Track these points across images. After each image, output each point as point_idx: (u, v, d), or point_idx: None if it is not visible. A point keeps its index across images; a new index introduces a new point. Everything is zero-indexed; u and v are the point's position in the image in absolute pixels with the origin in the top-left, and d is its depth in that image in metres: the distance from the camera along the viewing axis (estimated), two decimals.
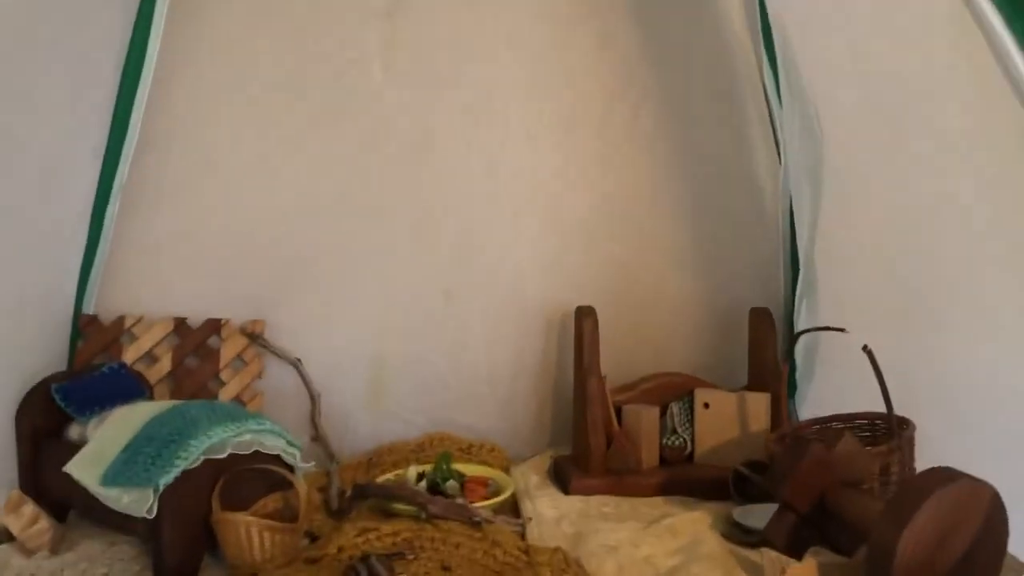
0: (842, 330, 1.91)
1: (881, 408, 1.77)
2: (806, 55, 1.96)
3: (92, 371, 1.96)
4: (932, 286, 1.90)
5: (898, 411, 1.84)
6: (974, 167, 1.65)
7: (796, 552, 1.57)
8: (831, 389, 2.23)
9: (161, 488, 1.53)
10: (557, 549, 1.65)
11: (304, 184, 2.28)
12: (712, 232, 2.35)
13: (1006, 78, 1.31)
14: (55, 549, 1.69)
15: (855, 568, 1.47)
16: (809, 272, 2.19)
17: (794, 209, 2.20)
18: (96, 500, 1.64)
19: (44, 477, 1.81)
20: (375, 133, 2.28)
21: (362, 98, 2.26)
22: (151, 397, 2.02)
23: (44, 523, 1.70)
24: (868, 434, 1.90)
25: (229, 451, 1.62)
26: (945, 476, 1.42)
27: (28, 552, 1.66)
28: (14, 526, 1.68)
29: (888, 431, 1.79)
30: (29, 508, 1.71)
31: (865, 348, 1.74)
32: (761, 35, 2.11)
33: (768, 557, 1.53)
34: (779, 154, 2.22)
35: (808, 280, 2.20)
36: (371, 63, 2.25)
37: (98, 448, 1.68)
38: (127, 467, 1.59)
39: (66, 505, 1.82)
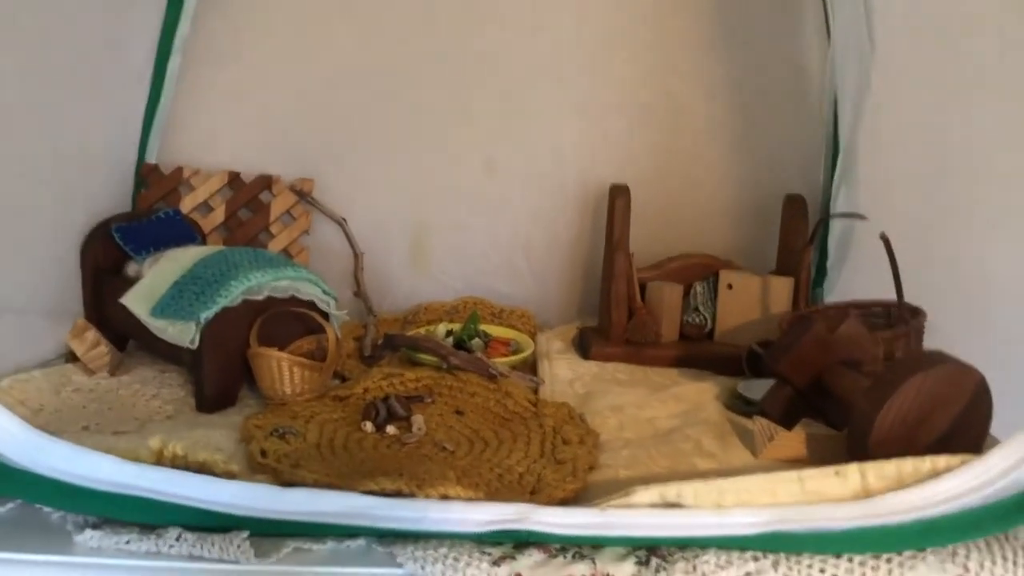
0: (863, 217, 1.93)
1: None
2: None
3: (149, 215, 2.11)
4: (973, 182, 1.89)
5: (919, 303, 1.89)
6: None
7: (789, 424, 1.65)
8: (860, 279, 2.25)
9: (203, 322, 1.68)
10: (563, 404, 1.76)
11: (355, 50, 2.35)
12: (753, 115, 2.35)
13: None
14: (113, 372, 1.88)
15: (840, 440, 1.55)
16: (849, 160, 2.19)
17: (838, 94, 2.18)
18: (150, 332, 1.80)
19: (105, 309, 1.98)
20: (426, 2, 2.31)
21: None
22: (204, 243, 2.17)
23: (104, 348, 1.88)
24: (883, 321, 1.93)
25: (267, 293, 1.76)
26: (933, 358, 1.47)
27: (89, 372, 1.85)
28: (78, 349, 1.87)
29: (901, 318, 1.83)
30: (91, 334, 1.89)
31: (882, 235, 1.77)
32: None
33: (759, 424, 1.61)
34: (828, 35, 2.19)
35: (847, 168, 2.20)
36: None
37: (150, 284, 1.84)
38: (174, 301, 1.74)
39: (125, 335, 2.00)
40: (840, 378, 1.62)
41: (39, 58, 1.86)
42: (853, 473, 1.30)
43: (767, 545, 1.23)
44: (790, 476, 1.30)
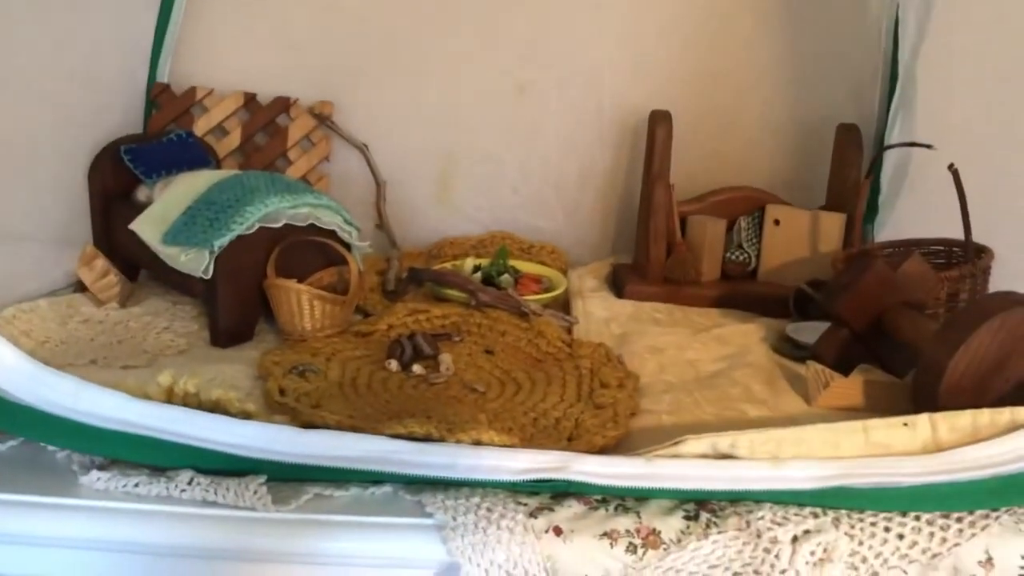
0: (928, 146, 1.78)
1: None
2: None
3: (160, 137, 1.99)
4: None
5: (982, 241, 1.75)
6: None
7: (844, 369, 1.53)
8: (915, 216, 2.12)
9: (216, 250, 1.57)
10: (600, 344, 1.65)
11: None
12: (805, 41, 2.18)
13: None
14: (123, 302, 1.78)
15: (902, 388, 1.44)
16: (908, 88, 2.04)
17: (899, 18, 2.02)
18: (162, 261, 1.70)
19: (115, 236, 1.88)
20: None
21: None
22: (218, 168, 2.05)
23: (114, 277, 1.78)
24: (943, 261, 1.81)
25: (284, 221, 1.64)
26: (1010, 300, 1.34)
27: (99, 303, 1.76)
28: (87, 277, 1.77)
29: (963, 257, 1.70)
30: (100, 262, 1.79)
31: (951, 167, 1.63)
32: None
33: (813, 369, 1.50)
34: None
35: (906, 97, 2.05)
36: None
37: (162, 209, 1.73)
38: (186, 228, 1.63)
39: (135, 264, 1.90)
40: (903, 320, 1.50)
41: None
42: (923, 424, 1.20)
43: (827, 501, 1.13)
44: (854, 427, 1.20)
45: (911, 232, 1.99)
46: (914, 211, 2.12)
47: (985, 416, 1.19)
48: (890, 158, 2.13)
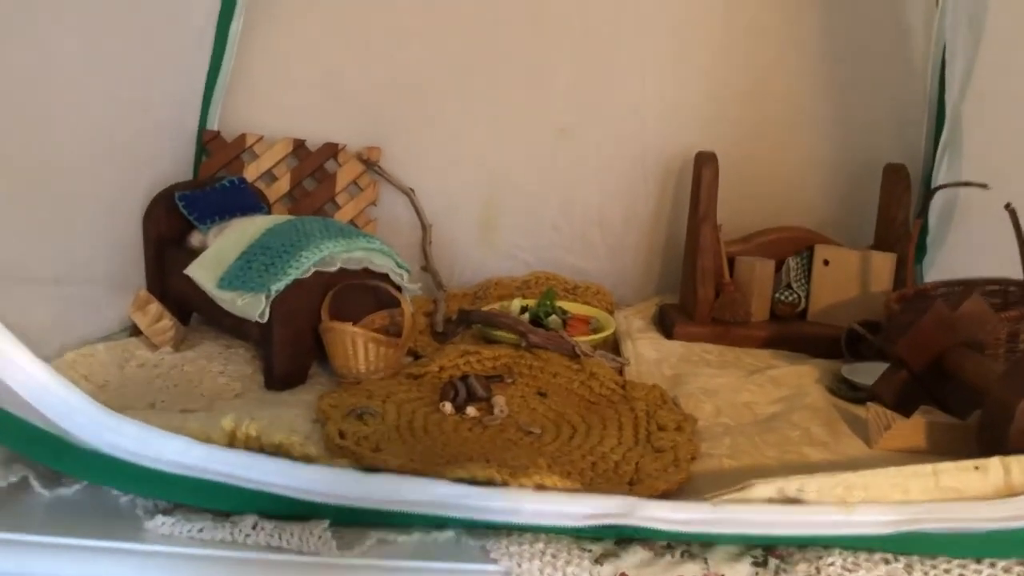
0: (984, 186, 1.77)
1: (1019, 275, 1.66)
2: None
3: (214, 183, 2.02)
4: None
5: None
6: None
7: (904, 410, 1.51)
8: (963, 256, 2.11)
9: (273, 294, 1.59)
10: (655, 386, 1.64)
11: (424, 11, 2.24)
12: (851, 78, 2.20)
13: None
14: (177, 346, 1.80)
15: (966, 430, 1.41)
16: (955, 127, 2.03)
17: (947, 57, 2.02)
18: (216, 305, 1.72)
19: (169, 280, 1.91)
20: None
21: None
22: (269, 213, 2.08)
23: (168, 321, 1.80)
24: (999, 300, 1.78)
25: (339, 265, 1.66)
26: None
27: (153, 347, 1.77)
28: (141, 322, 1.79)
29: (1022, 297, 1.67)
30: (154, 307, 1.81)
31: (1008, 206, 1.62)
32: None
33: (874, 411, 1.48)
34: None
35: (953, 136, 2.05)
36: None
37: (217, 254, 1.75)
38: (243, 272, 1.65)
39: (189, 308, 1.92)
40: (965, 361, 1.48)
41: (100, 23, 1.78)
42: (995, 467, 1.17)
43: (899, 547, 1.11)
44: (924, 470, 1.17)
45: (959, 272, 1.97)
46: (963, 251, 2.11)
47: None
48: (937, 198, 2.12)
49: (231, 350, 1.80)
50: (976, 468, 1.18)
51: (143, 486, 1.16)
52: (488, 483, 1.17)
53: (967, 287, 1.71)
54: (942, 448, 1.41)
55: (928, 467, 1.18)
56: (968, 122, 2.03)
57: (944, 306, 1.52)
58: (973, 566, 1.09)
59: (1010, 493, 1.16)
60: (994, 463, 1.17)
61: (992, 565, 1.09)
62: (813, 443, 1.46)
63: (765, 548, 1.12)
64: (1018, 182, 1.86)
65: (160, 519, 1.12)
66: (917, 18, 2.13)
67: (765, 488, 1.16)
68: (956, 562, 1.09)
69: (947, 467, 1.18)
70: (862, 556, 1.10)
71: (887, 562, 1.10)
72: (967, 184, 1.86)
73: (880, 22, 2.16)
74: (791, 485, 1.15)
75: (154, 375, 1.65)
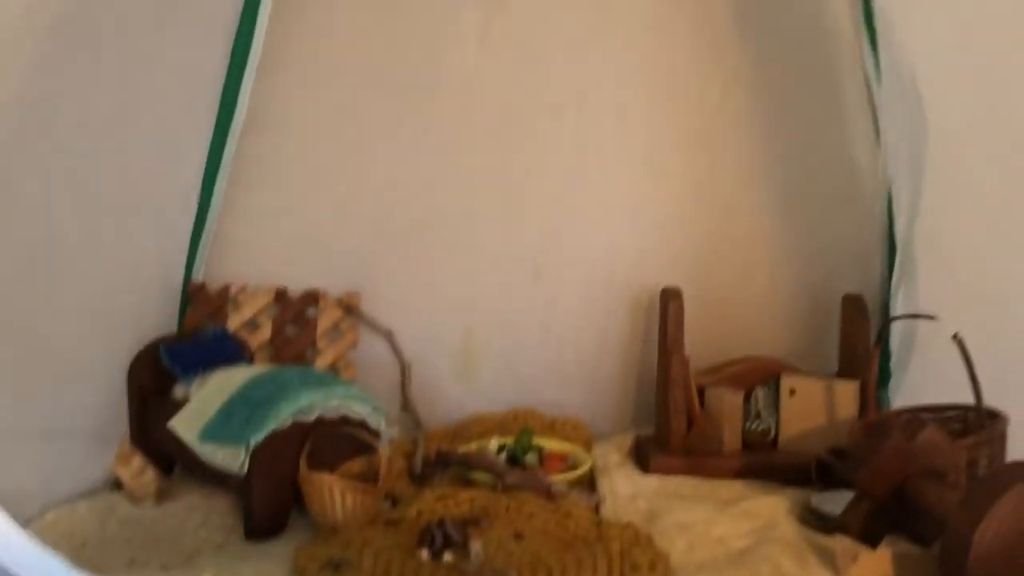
0: (932, 317, 1.86)
1: None
2: (909, 37, 1.89)
3: (198, 335, 2.08)
4: None
5: (997, 404, 1.79)
6: None
7: (872, 540, 1.55)
8: (928, 380, 2.15)
9: (252, 446, 1.63)
10: (629, 524, 1.67)
11: (400, 163, 2.35)
12: (807, 215, 2.31)
13: None
14: (159, 499, 1.83)
15: (931, 559, 1.45)
16: (907, 259, 2.12)
17: (893, 194, 2.14)
18: (197, 456, 1.75)
19: (152, 432, 1.94)
20: (467, 114, 2.33)
21: (456, 80, 2.31)
22: (252, 362, 2.13)
23: (151, 474, 1.83)
24: (959, 426, 1.83)
25: (317, 414, 1.71)
26: None
27: (135, 500, 1.80)
28: (124, 475, 1.82)
29: (979, 423, 1.73)
30: (137, 460, 1.85)
31: (955, 337, 1.69)
32: (863, 14, 2.05)
33: (841, 544, 1.52)
34: (878, 138, 2.16)
35: (905, 267, 2.13)
36: (466, 45, 2.30)
37: (198, 406, 1.80)
38: (223, 425, 1.69)
39: (171, 459, 1.95)
40: (925, 491, 1.53)
41: (92, 183, 1.89)
42: None
43: None
44: None
45: (926, 395, 2.02)
46: (927, 375, 2.16)
47: None
48: (898, 325, 2.19)
49: (212, 500, 1.82)
50: None
51: None
52: None
53: (928, 417, 1.76)
54: None
55: None
56: (922, 252, 2.12)
57: (902, 437, 1.58)
58: None
59: None
60: None
61: None
62: None
63: None
64: (973, 307, 1.95)
65: None
66: (865, 159, 2.25)
67: None
68: None
69: None
70: None
71: None
72: (917, 316, 1.95)
73: (832, 165, 2.28)
74: None
75: (136, 531, 1.68)
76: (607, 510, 1.80)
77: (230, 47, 2.17)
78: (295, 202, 2.36)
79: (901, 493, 1.57)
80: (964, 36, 1.76)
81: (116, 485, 1.84)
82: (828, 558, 1.54)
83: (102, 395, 1.98)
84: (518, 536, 1.65)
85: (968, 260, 2.00)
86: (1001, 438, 1.71)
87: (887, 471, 1.56)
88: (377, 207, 2.37)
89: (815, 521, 1.71)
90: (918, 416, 1.84)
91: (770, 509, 1.79)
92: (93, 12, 1.70)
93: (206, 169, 2.22)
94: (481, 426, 2.25)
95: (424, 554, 1.55)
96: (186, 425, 1.77)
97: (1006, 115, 1.74)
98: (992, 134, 1.84)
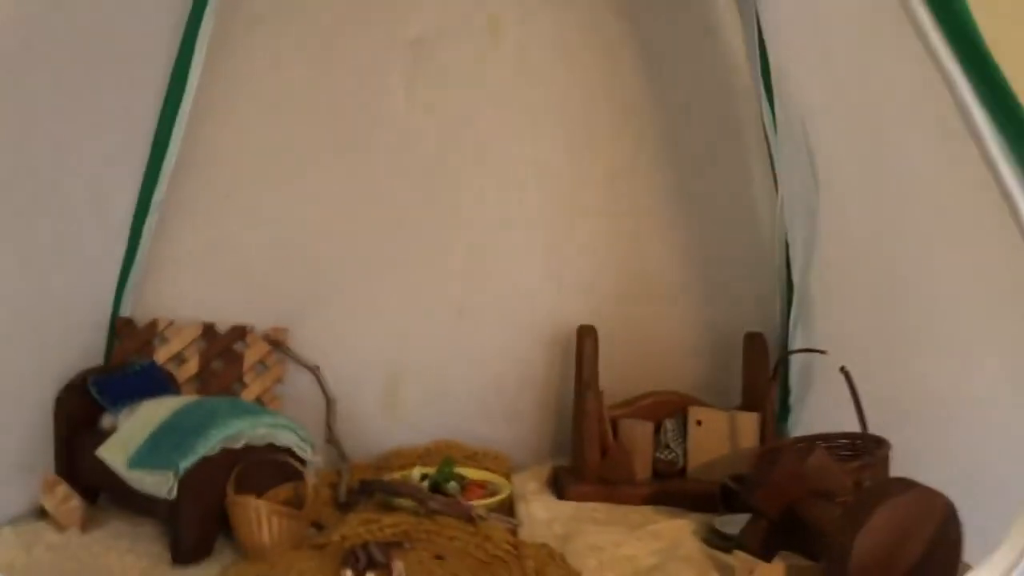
0: (823, 352, 2.02)
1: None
2: (800, 91, 2.08)
3: (126, 368, 2.12)
4: (921, 314, 1.98)
5: (883, 432, 1.94)
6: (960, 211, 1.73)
7: (768, 556, 1.67)
8: (826, 412, 2.30)
9: (181, 471, 1.68)
10: (544, 545, 1.76)
11: (328, 204, 2.46)
12: (712, 259, 2.48)
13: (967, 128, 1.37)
14: (85, 527, 1.85)
15: (819, 571, 1.57)
16: (803, 300, 2.30)
17: (789, 240, 2.32)
18: (124, 484, 1.79)
19: (78, 463, 1.97)
20: (396, 159, 2.45)
21: (384, 127, 2.44)
22: (178, 395, 2.17)
23: (75, 502, 1.86)
24: (848, 452, 1.98)
25: (244, 442, 1.77)
26: (900, 485, 1.53)
27: (61, 528, 1.82)
28: (48, 504, 1.84)
29: (866, 449, 1.88)
30: (62, 488, 1.87)
31: (842, 369, 1.85)
32: (760, 72, 2.24)
33: (739, 558, 1.64)
34: (776, 188, 2.34)
35: (802, 307, 2.30)
36: (395, 93, 2.43)
37: (127, 435, 1.84)
38: (152, 452, 1.74)
39: (96, 489, 1.97)
40: (813, 509, 1.66)
41: (26, 218, 1.93)
42: None
43: None
44: None
45: (823, 427, 2.16)
46: (824, 408, 2.31)
47: None
48: (797, 362, 2.36)
49: (139, 528, 1.85)
50: None
51: None
52: None
53: (811, 443, 1.91)
54: None
55: None
56: (818, 293, 2.29)
57: (792, 460, 1.72)
58: None
59: None
60: None
61: None
62: None
63: None
64: (863, 345, 2.11)
65: None
66: (766, 208, 2.43)
67: None
68: None
69: None
70: None
71: None
72: (808, 351, 2.11)
73: (735, 212, 2.47)
74: None
75: (63, 557, 1.70)
76: (524, 533, 1.89)
77: (164, 88, 2.25)
78: (225, 239, 2.43)
79: (793, 512, 1.69)
80: (845, 91, 1.94)
81: (41, 513, 1.86)
82: (727, 572, 1.66)
83: (29, 426, 1.99)
84: (439, 557, 1.73)
85: (858, 300, 2.17)
86: (884, 461, 1.86)
87: (780, 492, 1.70)
88: (306, 246, 2.46)
89: (718, 541, 1.83)
90: (811, 443, 1.99)
91: (677, 531, 1.90)
92: (29, 54, 1.76)
93: (137, 206, 2.29)
94: (404, 457, 2.33)
95: (348, 574, 1.61)
96: (114, 453, 1.81)
97: (883, 167, 1.90)
98: (875, 184, 2.01)
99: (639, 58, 2.44)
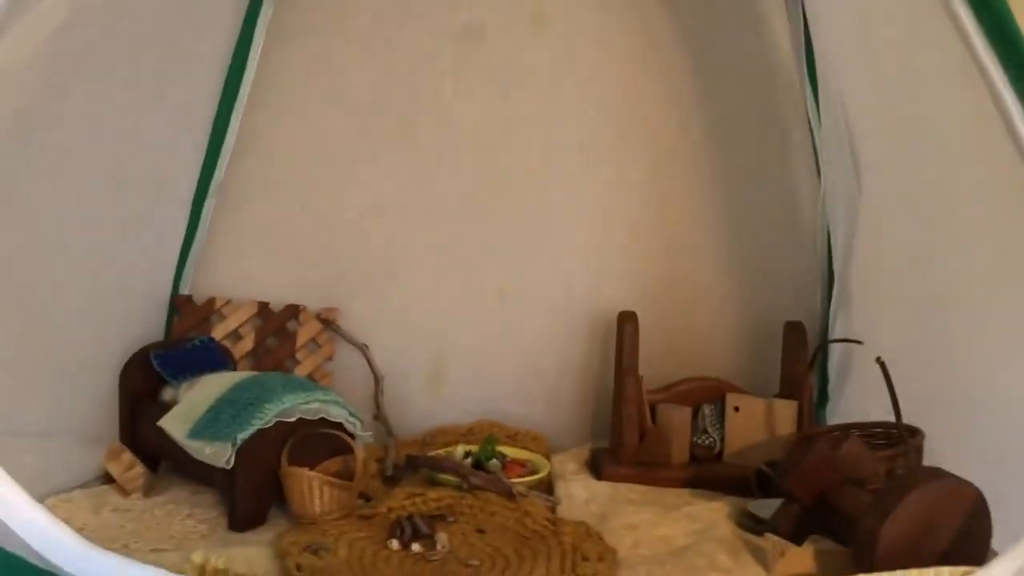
0: (859, 342, 2.05)
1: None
2: (842, 84, 2.11)
3: (185, 343, 2.23)
4: (958, 306, 2.00)
5: (918, 423, 1.97)
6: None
7: (798, 540, 1.72)
8: (865, 402, 2.33)
9: (239, 443, 1.77)
10: (581, 523, 1.83)
11: (378, 189, 2.53)
12: (753, 247, 2.51)
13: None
14: (147, 493, 1.96)
15: (848, 556, 1.62)
16: (843, 289, 2.32)
17: (830, 229, 2.34)
18: (184, 454, 1.89)
19: (141, 432, 2.08)
20: (442, 145, 2.51)
21: (432, 113, 2.50)
22: (235, 370, 2.28)
23: (139, 469, 1.97)
24: (883, 441, 2.02)
25: (298, 416, 1.86)
26: (931, 474, 1.57)
27: (125, 493, 1.93)
28: (114, 470, 1.95)
29: (900, 438, 1.92)
30: (127, 456, 1.98)
31: (878, 360, 1.88)
32: (804, 61, 2.27)
33: (770, 540, 1.68)
34: (819, 176, 2.37)
35: (842, 296, 2.33)
36: (442, 82, 2.49)
37: (188, 407, 1.94)
38: (211, 424, 1.84)
39: (158, 458, 2.08)
40: (845, 495, 1.70)
41: (94, 194, 2.03)
42: None
43: None
44: None
45: (861, 417, 2.20)
46: (863, 398, 2.34)
47: (913, 574, 1.37)
48: (836, 352, 2.39)
49: (197, 495, 1.96)
50: None
51: None
52: None
53: (846, 431, 1.95)
54: (829, 572, 1.60)
55: None
56: (858, 283, 2.32)
57: (826, 447, 1.76)
58: None
59: None
60: None
61: None
62: (718, 570, 1.65)
63: None
64: (901, 336, 2.13)
65: None
66: (808, 196, 2.46)
67: None
68: None
69: None
70: None
71: None
72: (844, 340, 2.14)
73: (777, 201, 2.49)
74: None
75: (127, 519, 1.81)
76: (562, 511, 1.96)
77: (223, 78, 2.35)
78: (279, 222, 2.53)
79: (825, 498, 1.74)
80: (886, 82, 1.96)
81: (107, 479, 1.97)
82: (759, 554, 1.71)
83: (94, 397, 2.11)
84: (480, 531, 1.81)
85: (899, 293, 2.19)
86: (918, 450, 1.89)
87: (812, 477, 1.74)
88: (356, 230, 2.54)
89: (751, 524, 1.88)
90: (846, 431, 2.03)
91: (711, 513, 1.95)
92: (105, 46, 1.87)
93: (196, 189, 2.39)
94: (448, 435, 2.41)
95: (394, 544, 1.70)
96: (176, 424, 1.91)
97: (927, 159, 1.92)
98: (914, 177, 2.02)
99: (684, 48, 2.47)
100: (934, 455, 1.94)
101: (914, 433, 1.93)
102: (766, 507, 1.90)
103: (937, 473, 1.58)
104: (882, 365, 1.89)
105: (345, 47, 2.49)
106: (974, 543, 1.53)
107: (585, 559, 1.65)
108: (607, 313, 2.47)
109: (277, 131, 2.50)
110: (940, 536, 1.51)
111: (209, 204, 2.42)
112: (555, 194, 2.53)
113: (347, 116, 2.51)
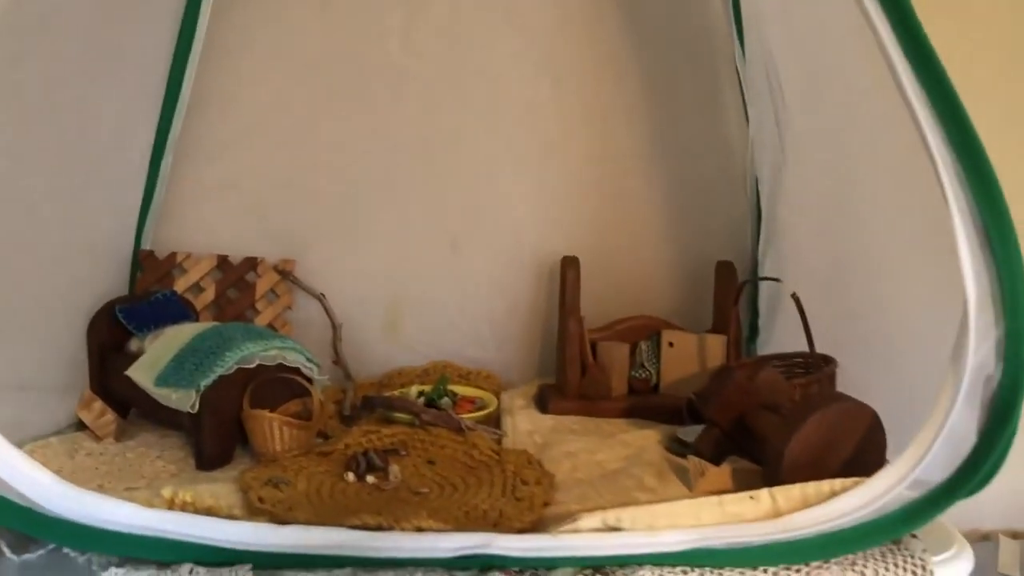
0: (778, 280, 2.22)
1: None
2: (768, 32, 2.24)
3: (149, 296, 2.34)
4: (869, 240, 2.13)
5: (835, 353, 2.13)
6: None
7: (718, 461, 1.89)
8: (790, 335, 2.49)
9: (202, 388, 1.90)
10: (523, 451, 1.99)
11: (331, 144, 2.62)
12: (688, 192, 2.65)
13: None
14: (119, 438, 2.08)
15: (760, 473, 1.79)
16: (770, 229, 2.48)
17: (758, 171, 2.49)
18: (152, 400, 2.01)
19: (109, 382, 2.19)
20: (393, 101, 2.60)
21: (381, 70, 2.59)
22: (197, 320, 2.40)
23: (110, 416, 2.09)
24: (802, 370, 2.19)
25: (257, 362, 1.98)
26: (831, 397, 1.74)
27: (97, 439, 2.06)
28: (86, 418, 2.08)
29: (815, 367, 2.09)
30: (98, 404, 2.10)
31: (793, 295, 2.04)
32: (732, 16, 2.39)
33: (692, 461, 1.85)
34: (748, 122, 2.50)
35: (769, 236, 2.48)
36: (390, 40, 2.58)
37: (153, 357, 2.06)
38: (176, 371, 1.96)
39: (127, 405, 2.20)
40: (759, 419, 1.87)
41: (56, 156, 2.12)
42: (765, 497, 1.55)
43: (693, 560, 1.47)
44: (712, 501, 1.55)
45: (789, 348, 2.36)
46: (791, 331, 2.50)
47: (812, 488, 1.54)
48: (766, 288, 2.55)
49: (166, 439, 2.09)
50: (751, 498, 1.54)
51: (98, 544, 1.46)
52: (377, 528, 1.50)
53: (776, 364, 2.11)
54: (744, 488, 1.75)
55: (715, 498, 1.55)
56: (784, 223, 2.46)
57: (743, 376, 1.92)
58: (750, 572, 1.46)
59: (776, 516, 1.53)
60: (764, 493, 1.55)
61: (764, 571, 1.46)
62: (644, 489, 1.81)
63: (594, 568, 1.46)
64: (819, 274, 2.28)
65: (113, 571, 1.41)
66: (738, 141, 2.60)
67: (591, 519, 1.51)
68: (737, 570, 1.47)
69: (730, 498, 1.55)
70: (666, 569, 1.45)
71: (685, 573, 1.45)
72: (764, 279, 2.30)
73: (709, 146, 2.62)
74: (611, 516, 1.51)
75: (100, 461, 1.93)
76: (508, 442, 2.11)
77: (176, 34, 2.42)
78: (236, 177, 2.62)
79: (743, 422, 1.91)
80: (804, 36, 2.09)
81: (80, 426, 2.10)
82: (683, 474, 1.88)
83: (65, 350, 2.22)
84: (431, 462, 1.96)
85: (820, 227, 2.33)
86: (830, 378, 2.06)
87: (730, 404, 1.90)
88: (311, 183, 2.64)
89: (679, 448, 2.04)
90: (763, 361, 2.20)
91: (644, 440, 2.12)
92: (55, 14, 1.93)
93: (154, 147, 2.47)
94: (404, 377, 2.55)
95: (350, 476, 1.84)
96: (143, 373, 2.03)
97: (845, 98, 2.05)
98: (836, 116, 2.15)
99: (621, 4, 2.58)
100: (850, 382, 2.11)
101: (828, 361, 2.09)
102: (693, 433, 2.05)
103: (837, 396, 1.75)
104: (796, 300, 2.05)
105: (294, 8, 2.57)
106: (871, 457, 1.69)
107: (524, 483, 1.80)
108: (552, 258, 2.61)
109: (231, 89, 2.57)
110: (841, 452, 1.68)
111: (167, 160, 2.50)
112: (501, 147, 2.64)
113: (298, 74, 2.59)
